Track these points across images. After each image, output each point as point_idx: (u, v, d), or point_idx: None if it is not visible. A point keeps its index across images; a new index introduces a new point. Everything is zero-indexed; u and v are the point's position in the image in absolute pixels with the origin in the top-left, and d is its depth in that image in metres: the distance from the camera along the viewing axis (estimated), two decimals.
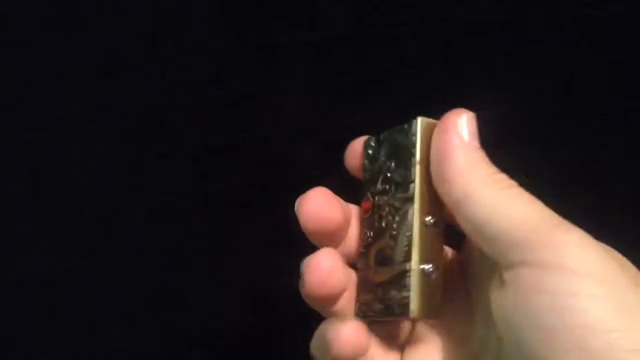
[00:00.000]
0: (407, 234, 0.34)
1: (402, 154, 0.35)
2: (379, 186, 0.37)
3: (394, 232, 0.35)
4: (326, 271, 0.35)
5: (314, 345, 0.37)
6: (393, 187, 0.36)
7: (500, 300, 0.30)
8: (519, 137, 0.61)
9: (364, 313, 0.36)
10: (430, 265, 0.34)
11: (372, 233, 0.37)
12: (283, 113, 0.64)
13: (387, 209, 0.36)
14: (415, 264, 0.34)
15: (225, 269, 0.65)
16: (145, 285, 0.64)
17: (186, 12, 0.63)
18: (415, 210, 0.34)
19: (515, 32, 0.64)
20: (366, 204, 0.37)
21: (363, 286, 0.37)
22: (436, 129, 0.34)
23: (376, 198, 0.37)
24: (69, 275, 0.63)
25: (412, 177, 0.34)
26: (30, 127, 0.62)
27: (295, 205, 0.37)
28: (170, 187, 0.64)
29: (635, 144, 0.63)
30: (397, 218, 0.35)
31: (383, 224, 0.36)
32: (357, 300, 0.37)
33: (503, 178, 0.31)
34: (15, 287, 0.63)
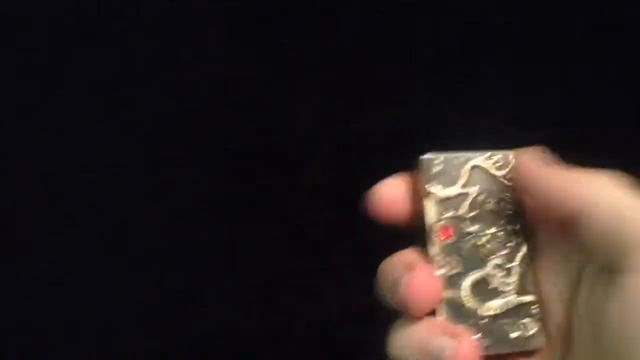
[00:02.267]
0: (522, 266, 0.35)
1: (495, 183, 0.36)
2: (465, 213, 0.36)
3: (501, 263, 0.36)
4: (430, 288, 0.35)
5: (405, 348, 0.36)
6: (489, 216, 0.36)
7: (611, 303, 0.31)
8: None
9: None
10: (537, 296, 0.35)
11: (459, 260, 0.36)
12: (297, 119, 0.64)
13: (484, 238, 0.36)
14: (534, 297, 0.35)
15: (238, 272, 0.65)
16: (158, 289, 0.65)
17: (202, 20, 0.64)
18: (525, 243, 0.35)
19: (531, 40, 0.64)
20: (447, 229, 0.36)
21: (455, 317, 0.35)
22: (520, 164, 0.35)
23: (466, 223, 0.36)
24: (82, 278, 0.64)
25: (518, 209, 0.35)
26: (46, 132, 0.63)
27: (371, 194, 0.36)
28: (185, 192, 0.65)
29: None
30: (504, 250, 0.36)
31: (481, 253, 0.36)
32: None
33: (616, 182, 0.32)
34: (29, 290, 0.64)
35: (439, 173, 0.36)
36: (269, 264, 0.64)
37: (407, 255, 0.35)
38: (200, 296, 0.65)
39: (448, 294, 0.35)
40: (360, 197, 0.38)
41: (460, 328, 0.34)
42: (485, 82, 0.63)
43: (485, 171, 0.36)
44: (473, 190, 0.36)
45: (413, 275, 0.34)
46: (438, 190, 0.36)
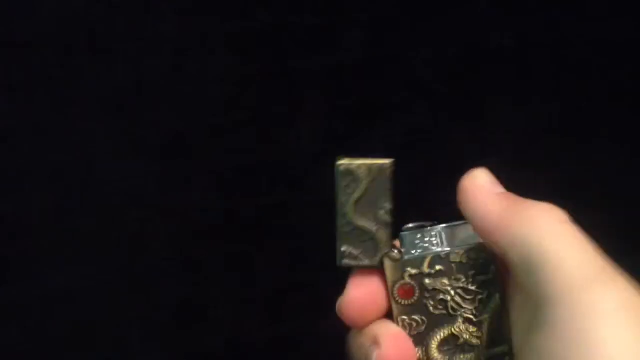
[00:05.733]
0: (493, 316, 0.33)
1: (462, 234, 0.34)
2: (427, 268, 0.34)
3: (471, 317, 0.34)
4: None
5: None
6: (455, 269, 0.34)
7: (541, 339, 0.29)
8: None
9: None
10: (509, 345, 0.33)
11: (425, 318, 0.34)
12: (301, 135, 0.65)
13: (451, 292, 0.34)
14: (507, 347, 0.33)
15: (247, 285, 0.66)
16: (169, 302, 0.65)
17: (208, 38, 0.65)
18: (498, 291, 0.33)
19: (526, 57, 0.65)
20: (406, 289, 0.34)
21: None
22: (461, 193, 0.34)
23: (429, 280, 0.34)
24: (94, 292, 0.65)
25: (488, 256, 0.33)
26: (58, 147, 0.64)
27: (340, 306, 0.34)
28: (194, 206, 0.66)
29: None
30: (474, 303, 0.34)
31: (448, 309, 0.34)
32: None
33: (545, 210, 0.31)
34: (41, 303, 0.64)
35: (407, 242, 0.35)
36: (276, 277, 0.65)
37: (373, 327, 0.33)
38: (208, 309, 0.66)
39: (417, 354, 0.34)
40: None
41: None
42: (486, 99, 0.65)
43: (451, 230, 0.34)
44: (436, 248, 0.34)
45: (381, 352, 0.32)
46: (398, 252, 0.34)
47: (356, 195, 0.34)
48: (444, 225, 0.34)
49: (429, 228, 0.34)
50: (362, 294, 0.34)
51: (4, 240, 0.64)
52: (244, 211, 0.66)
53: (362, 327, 0.33)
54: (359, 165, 0.34)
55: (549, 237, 0.29)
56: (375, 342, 0.32)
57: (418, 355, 0.34)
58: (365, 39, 0.65)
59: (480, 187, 0.33)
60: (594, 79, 0.65)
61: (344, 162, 0.34)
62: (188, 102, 0.65)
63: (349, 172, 0.34)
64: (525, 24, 0.66)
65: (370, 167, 0.34)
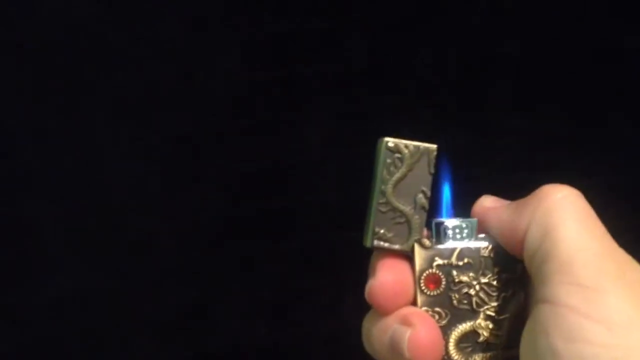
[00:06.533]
0: (516, 318, 0.33)
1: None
2: (456, 260, 0.33)
3: (493, 315, 0.33)
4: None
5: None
6: (482, 264, 0.33)
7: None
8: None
9: None
10: None
11: (448, 311, 0.33)
12: (308, 141, 0.66)
13: (476, 287, 0.33)
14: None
15: (253, 289, 0.66)
16: (175, 305, 0.66)
17: (218, 46, 0.66)
18: (521, 292, 0.33)
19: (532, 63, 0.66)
20: (434, 279, 0.33)
21: None
22: (475, 210, 0.34)
23: (456, 272, 0.33)
24: (101, 296, 0.65)
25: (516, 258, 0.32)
26: (67, 153, 0.65)
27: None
28: (201, 211, 0.66)
29: None
30: (498, 301, 0.33)
31: (472, 304, 0.33)
32: None
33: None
34: (48, 307, 0.65)
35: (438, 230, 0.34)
36: (283, 280, 0.65)
37: (402, 311, 0.32)
38: (214, 311, 0.67)
39: None
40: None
41: None
42: (491, 106, 0.65)
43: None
44: (467, 240, 0.33)
45: (414, 332, 0.31)
46: (429, 240, 0.34)
47: (398, 174, 0.33)
48: (475, 219, 0.34)
49: (460, 220, 0.34)
50: (392, 279, 0.33)
51: (11, 243, 0.64)
52: (250, 215, 0.66)
53: (389, 312, 0.32)
54: (407, 145, 0.33)
55: (559, 210, 0.30)
56: (407, 323, 0.32)
57: None
58: (369, 49, 0.66)
59: (489, 207, 0.33)
60: (595, 85, 0.66)
61: (391, 139, 0.33)
62: (196, 107, 0.66)
63: (396, 150, 0.33)
64: (528, 30, 0.66)
65: (417, 148, 0.33)
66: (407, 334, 0.31)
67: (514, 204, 0.32)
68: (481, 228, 0.33)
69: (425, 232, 0.34)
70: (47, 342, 0.66)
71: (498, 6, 0.65)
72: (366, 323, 0.34)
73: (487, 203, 0.34)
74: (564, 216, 0.30)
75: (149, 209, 0.66)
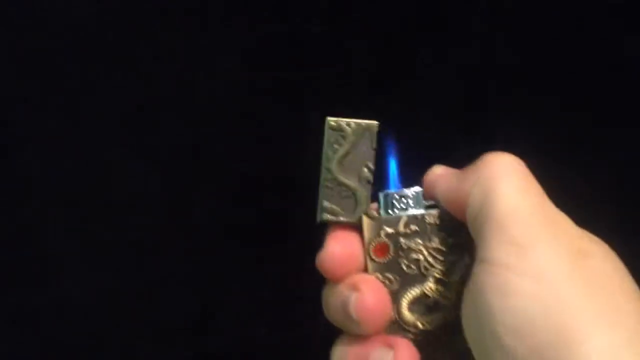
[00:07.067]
0: (460, 278, 0.34)
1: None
2: (403, 228, 0.35)
3: (442, 278, 0.35)
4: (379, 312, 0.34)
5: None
6: (428, 230, 0.35)
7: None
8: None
9: None
10: None
11: (398, 276, 0.35)
12: (307, 147, 0.66)
13: (424, 252, 0.35)
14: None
15: (253, 289, 0.67)
16: (175, 306, 0.66)
17: (218, 47, 0.66)
18: (467, 254, 0.34)
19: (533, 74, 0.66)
20: (382, 247, 0.35)
21: (396, 332, 0.35)
22: (426, 187, 0.36)
23: (401, 240, 0.35)
24: (101, 296, 0.65)
25: (461, 223, 0.34)
26: (70, 157, 0.65)
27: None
28: (201, 211, 0.66)
29: None
30: (446, 264, 0.35)
31: (420, 268, 0.35)
32: None
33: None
34: (52, 310, 0.65)
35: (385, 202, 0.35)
36: (283, 280, 0.66)
37: (351, 277, 0.34)
38: (214, 312, 0.67)
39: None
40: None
41: (399, 339, 0.34)
42: (492, 114, 0.65)
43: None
44: (413, 209, 0.35)
45: (361, 295, 0.33)
46: (376, 211, 0.35)
47: (342, 151, 0.36)
48: (420, 188, 0.36)
49: (406, 190, 0.35)
50: (340, 249, 0.35)
51: (11, 243, 0.64)
52: (250, 215, 0.66)
53: (340, 280, 0.35)
54: (348, 122, 0.36)
55: (501, 175, 0.31)
56: (355, 288, 0.33)
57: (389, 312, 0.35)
58: (370, 55, 0.66)
59: (439, 174, 0.35)
60: (596, 92, 0.66)
61: (333, 118, 0.36)
62: (196, 108, 0.66)
63: (338, 128, 0.36)
64: (528, 30, 0.66)
65: (358, 125, 0.36)
66: (353, 297, 0.33)
67: (461, 171, 0.34)
68: (430, 196, 0.35)
69: (373, 205, 0.36)
70: (47, 342, 0.66)
71: (498, 6, 0.65)
72: (324, 291, 0.36)
73: (438, 171, 0.35)
74: (503, 179, 0.31)
75: (149, 209, 0.66)
